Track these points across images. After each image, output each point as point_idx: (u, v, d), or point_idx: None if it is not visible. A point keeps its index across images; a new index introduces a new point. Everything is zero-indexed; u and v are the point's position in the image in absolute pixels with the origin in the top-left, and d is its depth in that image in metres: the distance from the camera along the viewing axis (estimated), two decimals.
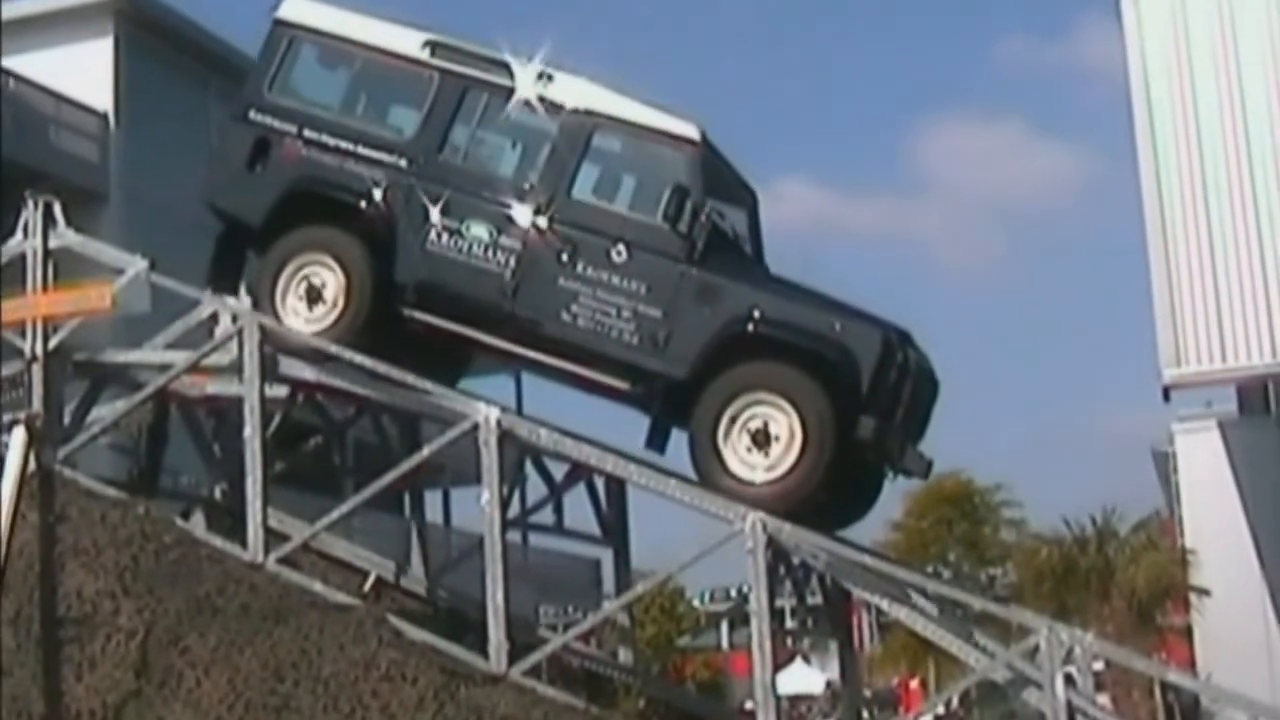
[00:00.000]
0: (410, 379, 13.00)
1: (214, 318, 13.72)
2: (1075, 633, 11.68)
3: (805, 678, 50.77)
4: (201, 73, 34.79)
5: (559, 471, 14.43)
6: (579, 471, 14.13)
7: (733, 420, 12.42)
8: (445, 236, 13.19)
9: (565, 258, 12.91)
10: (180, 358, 13.59)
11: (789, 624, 16.45)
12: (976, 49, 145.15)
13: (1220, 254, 17.73)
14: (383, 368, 13.01)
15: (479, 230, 13.12)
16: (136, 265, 13.95)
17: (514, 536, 14.35)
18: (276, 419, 13.78)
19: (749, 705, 12.13)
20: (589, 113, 13.17)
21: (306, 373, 13.55)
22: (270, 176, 13.66)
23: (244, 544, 12.78)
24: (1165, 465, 31.44)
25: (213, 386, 13.74)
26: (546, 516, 14.90)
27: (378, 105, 14.28)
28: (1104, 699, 24.60)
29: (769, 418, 12.38)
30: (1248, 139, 18.08)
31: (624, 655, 15.49)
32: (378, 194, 13.38)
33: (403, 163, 13.41)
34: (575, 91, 13.21)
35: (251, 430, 12.95)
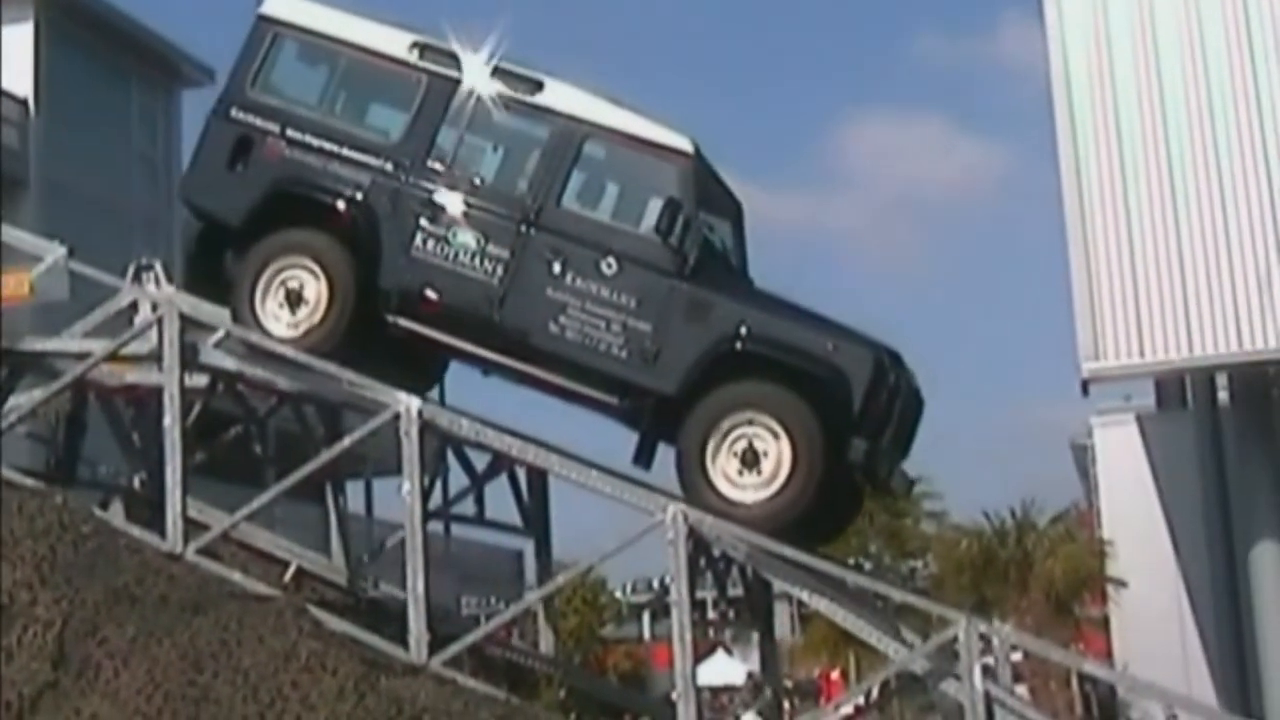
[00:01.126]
0: (332, 368, 12.95)
1: (133, 306, 13.62)
2: (993, 624, 11.78)
3: (727, 669, 50.79)
4: (124, 62, 34.56)
5: (481, 462, 14.42)
6: (501, 462, 14.12)
7: (722, 439, 12.32)
8: (431, 242, 12.99)
9: (554, 268, 12.73)
10: (99, 346, 13.47)
11: (710, 615, 16.47)
12: (895, 45, 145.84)
13: (1139, 250, 17.87)
14: (304, 357, 12.96)
15: (466, 237, 12.94)
16: (55, 252, 13.85)
17: (435, 527, 14.31)
18: (196, 408, 13.68)
19: (674, 696, 12.12)
20: (580, 120, 13.01)
21: (227, 362, 13.48)
22: (252, 176, 13.39)
23: (163, 534, 12.70)
24: (1084, 458, 31.68)
25: (132, 375, 13.64)
26: (469, 507, 14.90)
27: (363, 106, 14.01)
28: (1022, 690, 24.78)
29: (758, 438, 12.30)
30: (1167, 136, 18.23)
31: (545, 646, 15.47)
32: (362, 197, 13.14)
33: (388, 166, 13.19)
34: (566, 98, 13.06)
35: (171, 419, 12.86)
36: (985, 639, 11.44)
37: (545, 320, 12.70)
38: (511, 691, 12.56)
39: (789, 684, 39.88)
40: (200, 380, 13.59)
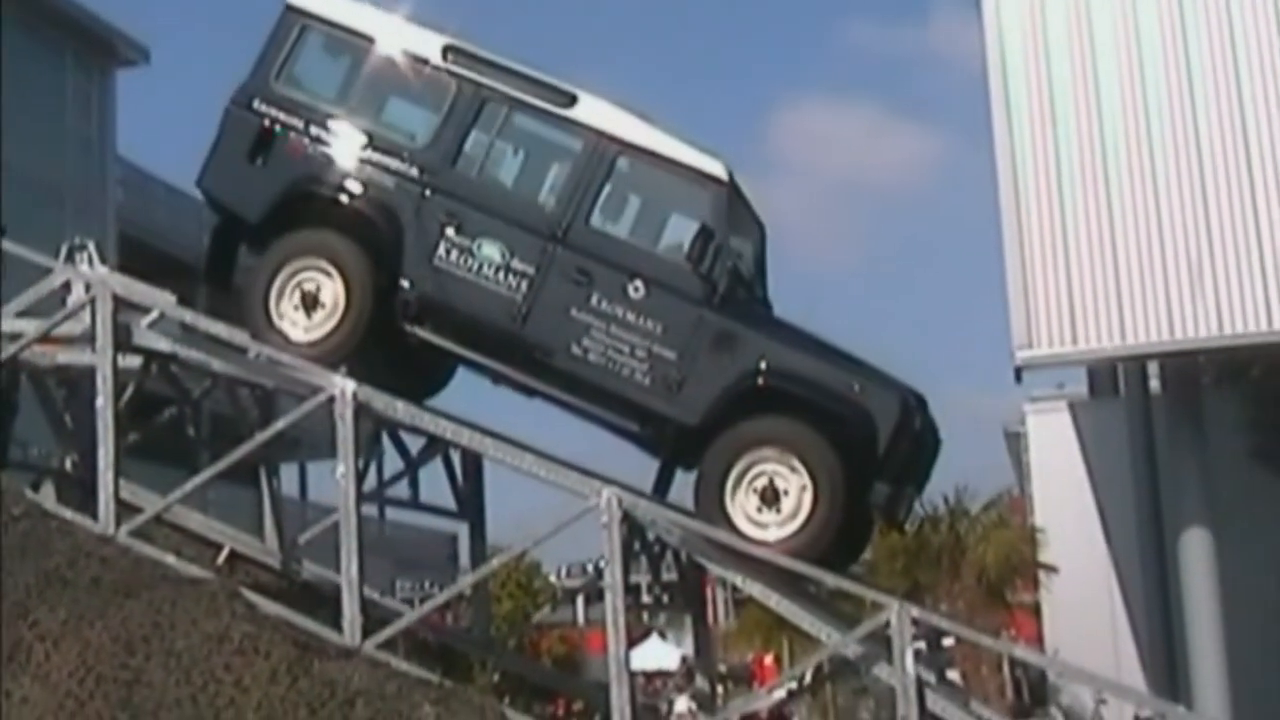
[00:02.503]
0: (266, 351, 12.90)
1: (66, 286, 13.52)
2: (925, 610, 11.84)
3: (661, 653, 50.92)
4: (60, 40, 34.24)
5: (416, 445, 14.39)
6: (435, 445, 14.09)
7: (742, 475, 12.22)
8: (455, 253, 12.75)
9: (580, 288, 12.54)
10: (31, 327, 13.38)
11: (645, 600, 16.52)
12: (828, 32, 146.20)
13: (1073, 239, 17.97)
14: (239, 339, 12.90)
15: (490, 250, 12.71)
16: None
17: (370, 510, 14.29)
18: (129, 390, 13.60)
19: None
20: (613, 138, 12.79)
21: (161, 343, 13.40)
22: (272, 172, 13.13)
23: (95, 516, 12.63)
24: (1017, 445, 31.86)
25: (64, 356, 13.54)
26: (403, 491, 14.87)
27: (391, 108, 13.69)
28: (953, 674, 24.92)
29: (779, 475, 12.20)
30: (1101, 127, 18.34)
31: (479, 630, 15.48)
32: (385, 201, 12.91)
33: (414, 171, 12.93)
34: (600, 114, 12.85)
35: (104, 401, 12.79)
36: (917, 624, 11.49)
37: (568, 341, 12.53)
38: (445, 675, 12.53)
39: (723, 669, 40.04)
40: (134, 361, 13.50)
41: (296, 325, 12.96)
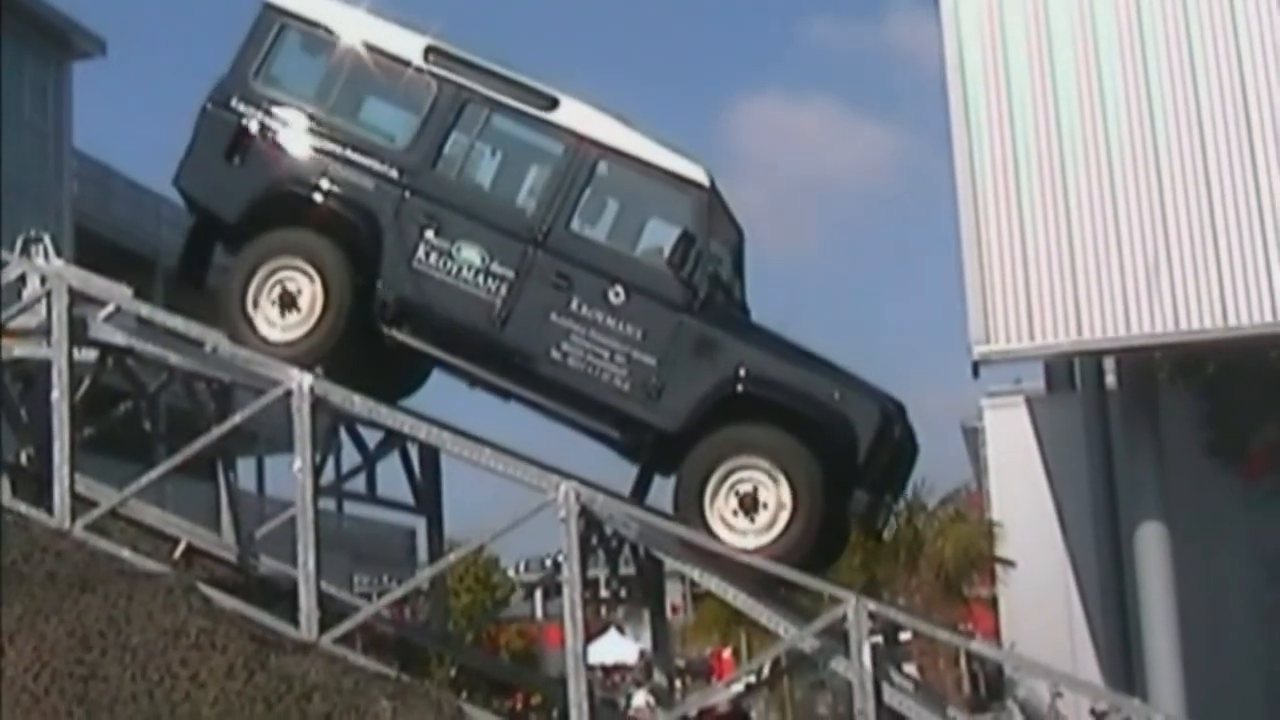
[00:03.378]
0: (223, 343, 12.85)
1: (22, 279, 13.45)
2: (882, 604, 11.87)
3: (619, 648, 51.05)
4: (14, 31, 34.03)
5: (373, 439, 14.38)
6: (393, 439, 14.08)
7: (721, 482, 12.22)
8: (434, 255, 12.69)
9: (559, 292, 12.50)
10: None
11: (603, 594, 16.54)
12: (788, 29, 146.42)
13: (1030, 236, 18.03)
14: (195, 332, 12.86)
15: (470, 253, 12.66)
16: None
17: (328, 505, 14.26)
18: (85, 383, 13.54)
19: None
20: (595, 142, 12.74)
21: (117, 337, 13.34)
22: (250, 171, 13.03)
23: (50, 510, 12.58)
24: (974, 440, 31.94)
25: (20, 349, 13.46)
26: (361, 485, 14.85)
27: (371, 108, 13.59)
28: (911, 668, 25.00)
29: (759, 484, 12.19)
30: (1059, 124, 18.39)
31: (437, 624, 15.47)
32: (365, 202, 12.81)
33: (393, 172, 12.85)
34: (581, 118, 12.80)
35: (59, 394, 12.73)
36: (874, 618, 11.52)
37: (547, 346, 12.50)
38: (403, 669, 12.55)
39: (681, 663, 40.08)
40: (90, 355, 13.44)
41: (274, 325, 12.87)
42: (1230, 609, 24.43)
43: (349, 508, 16.27)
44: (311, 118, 13.13)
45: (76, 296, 12.99)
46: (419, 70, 13.02)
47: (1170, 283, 17.70)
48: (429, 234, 12.71)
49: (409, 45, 13.09)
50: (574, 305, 12.49)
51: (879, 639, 12.05)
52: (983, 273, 18.06)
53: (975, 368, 18.25)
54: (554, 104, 12.86)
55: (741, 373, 12.32)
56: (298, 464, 12.34)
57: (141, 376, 14.69)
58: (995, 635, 28.91)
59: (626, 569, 14.68)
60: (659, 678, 15.98)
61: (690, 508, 12.24)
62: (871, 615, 11.52)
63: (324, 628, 12.01)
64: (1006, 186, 18.44)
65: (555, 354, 12.49)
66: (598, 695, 14.07)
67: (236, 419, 13.24)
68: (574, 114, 12.83)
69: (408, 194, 12.80)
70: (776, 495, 12.18)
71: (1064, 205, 18.26)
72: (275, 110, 13.14)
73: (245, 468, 16.75)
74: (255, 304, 12.89)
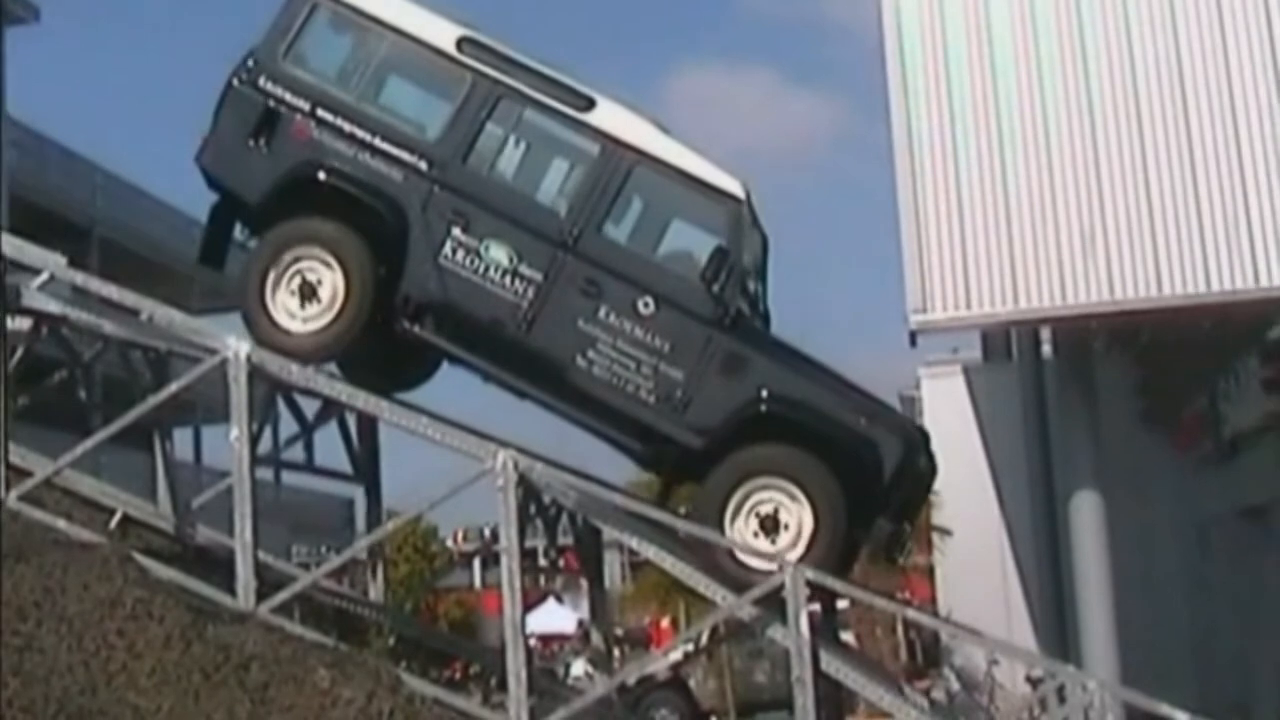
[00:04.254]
0: (159, 310, 12.76)
1: None
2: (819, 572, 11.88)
3: (557, 617, 51.16)
4: None
5: (311, 409, 14.33)
6: (331, 408, 14.02)
7: (743, 502, 12.09)
8: (461, 253, 12.40)
9: (588, 299, 12.27)
10: None
11: (541, 563, 16.54)
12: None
13: (967, 206, 18.10)
14: (130, 300, 12.77)
15: (498, 253, 12.39)
16: None
17: (265, 475, 14.21)
18: (19, 352, 13.42)
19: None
20: (631, 147, 12.49)
21: (51, 305, 13.23)
22: (275, 154, 12.67)
23: None
24: (911, 409, 32.13)
25: None
26: (299, 454, 14.80)
27: (403, 97, 13.23)
28: (848, 636, 25.17)
29: (782, 506, 12.06)
30: (996, 95, 18.46)
31: (375, 594, 15.44)
32: (393, 194, 12.51)
33: (423, 164, 12.55)
34: (618, 121, 12.57)
35: None
36: (811, 586, 11.56)
37: (573, 353, 12.28)
38: (341, 639, 12.53)
39: (619, 632, 40.16)
40: (23, 324, 13.32)
41: (293, 316, 12.59)
42: (1163, 576, 24.74)
43: (287, 477, 16.19)
44: (340, 102, 12.79)
45: (10, 265, 12.86)
46: (453, 60, 12.73)
47: (1105, 253, 17.83)
48: (456, 230, 12.44)
49: (443, 34, 12.80)
50: (602, 313, 12.28)
51: (816, 607, 12.12)
52: (920, 243, 18.14)
53: (913, 337, 18.34)
54: (591, 105, 12.59)
55: (771, 392, 12.17)
56: (234, 433, 12.27)
57: (76, 345, 14.55)
58: (932, 603, 29.15)
59: (565, 538, 14.68)
60: (597, 646, 15.99)
61: (710, 526, 12.07)
62: (809, 583, 11.55)
63: (261, 597, 11.97)
64: (944, 157, 18.51)
65: (581, 361, 12.28)
66: (536, 664, 14.06)
67: (173, 388, 13.16)
68: (611, 116, 12.58)
69: (436, 188, 12.52)
70: (798, 518, 12.05)
71: (1001, 176, 18.36)
72: (304, 92, 12.79)
73: (183, 438, 16.67)
74: (275, 292, 12.60)
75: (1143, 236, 17.80)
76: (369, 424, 14.42)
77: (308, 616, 12.91)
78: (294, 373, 12.62)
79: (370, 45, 13.03)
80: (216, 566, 12.91)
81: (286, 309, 12.61)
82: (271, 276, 12.59)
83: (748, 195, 12.64)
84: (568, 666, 37.93)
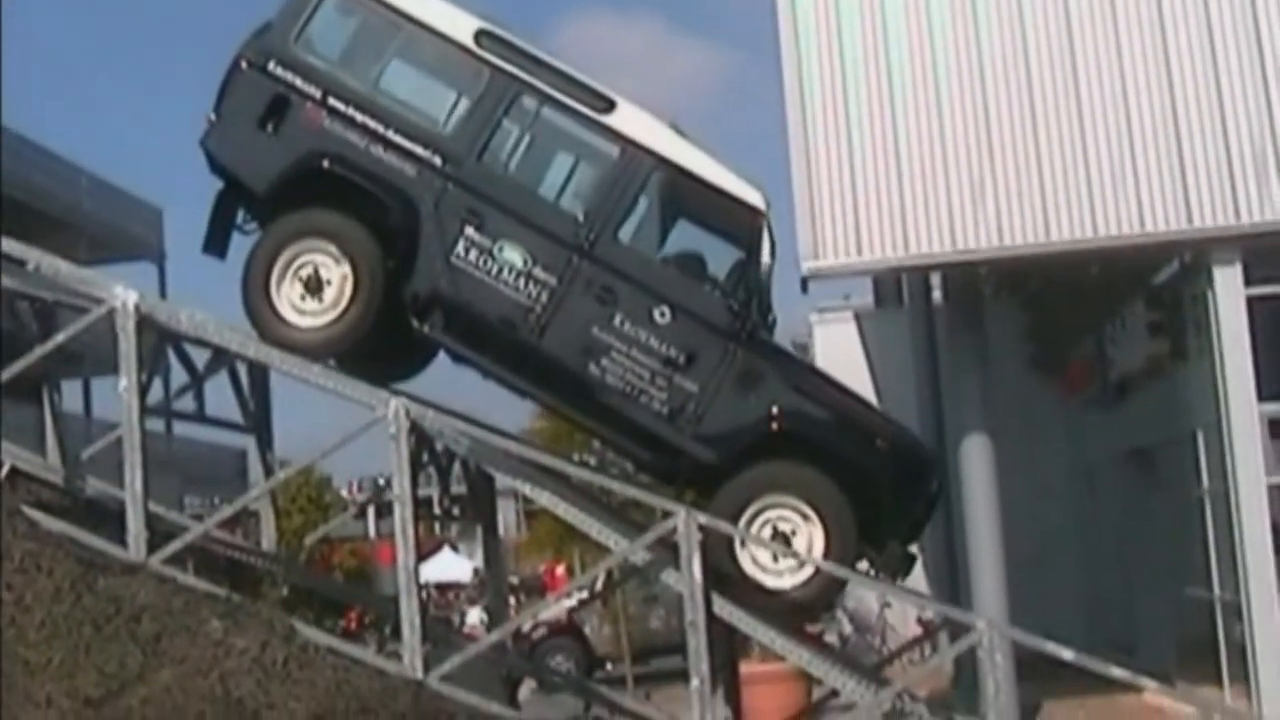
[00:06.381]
0: (45, 260, 12.60)
1: None
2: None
3: (453, 565, 51.18)
4: None
5: (201, 359, 14.20)
6: (221, 358, 13.90)
7: (754, 519, 11.96)
8: (474, 252, 12.08)
9: (603, 306, 12.02)
10: None
11: (435, 512, 16.53)
12: None
13: (858, 153, 18.21)
14: (16, 250, 12.60)
15: (512, 254, 12.09)
16: None
17: (156, 426, 14.09)
18: None
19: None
20: (651, 153, 12.21)
21: None
22: (284, 141, 12.25)
23: None
24: (803, 355, 32.37)
25: None
26: (190, 405, 14.69)
27: (418, 89, 12.75)
28: None
29: (792, 523, 11.95)
30: (886, 40, 18.58)
31: (268, 544, 15.38)
32: (404, 188, 12.16)
33: (436, 159, 12.20)
34: (639, 125, 12.25)
35: None
36: (704, 530, 11.60)
37: (586, 360, 12.04)
38: (233, 589, 12.46)
39: (514, 580, 40.19)
40: None
41: (298, 310, 12.26)
42: (1051, 517, 25.06)
43: (179, 430, 16.09)
44: (354, 92, 12.39)
45: None
46: (470, 53, 12.40)
47: (995, 199, 18.01)
48: (470, 229, 12.14)
49: (460, 26, 12.45)
50: (617, 320, 12.04)
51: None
52: (811, 189, 18.23)
53: (804, 283, 18.45)
54: (611, 106, 12.29)
55: (786, 409, 12.02)
56: (123, 383, 12.16)
57: None
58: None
59: (459, 487, 14.67)
60: (492, 594, 16.03)
61: (720, 543, 11.88)
62: (701, 528, 11.58)
63: (153, 549, 11.90)
64: (834, 104, 18.61)
65: (593, 369, 12.07)
66: (431, 613, 14.08)
67: (59, 338, 13.01)
68: (631, 119, 12.29)
69: (450, 184, 12.20)
70: (809, 537, 11.97)
71: (891, 122, 18.48)
72: (315, 78, 12.39)
73: (72, 390, 16.49)
74: (278, 284, 12.26)
75: (1031, 183, 17.99)
76: (260, 374, 14.32)
77: (200, 568, 12.83)
78: (183, 321, 12.52)
79: (385, 33, 12.62)
80: (107, 519, 12.79)
81: (291, 303, 12.30)
82: (276, 267, 12.25)
83: (767, 206, 12.42)
84: (463, 615, 37.99)
